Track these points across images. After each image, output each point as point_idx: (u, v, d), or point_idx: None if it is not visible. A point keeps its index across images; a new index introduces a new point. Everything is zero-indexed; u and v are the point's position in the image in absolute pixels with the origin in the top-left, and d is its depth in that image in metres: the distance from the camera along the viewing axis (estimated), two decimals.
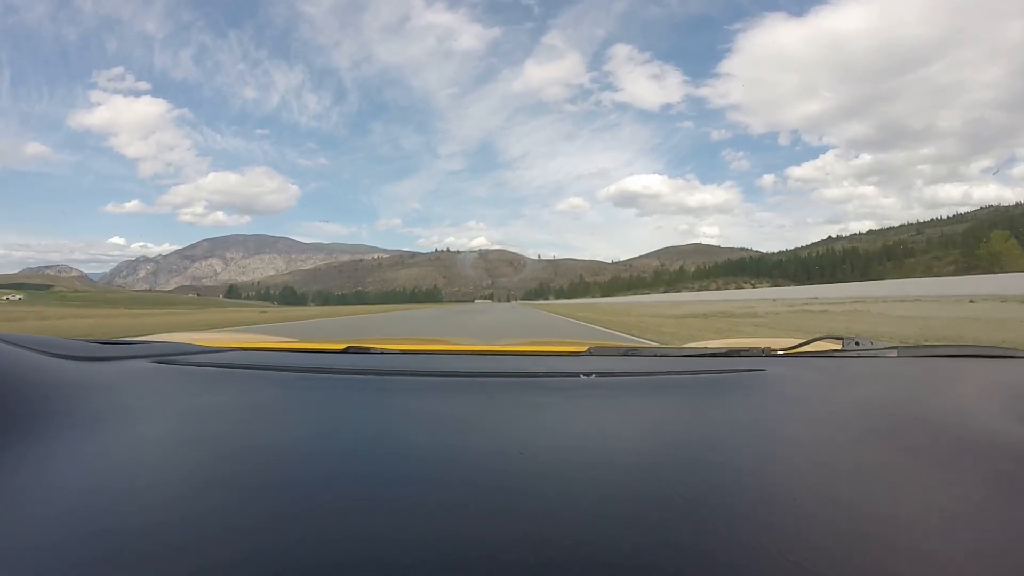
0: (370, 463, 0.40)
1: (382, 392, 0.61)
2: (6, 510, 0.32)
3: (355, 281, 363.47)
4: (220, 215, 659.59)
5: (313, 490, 0.35)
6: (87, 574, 0.26)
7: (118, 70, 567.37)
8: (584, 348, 0.90)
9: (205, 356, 0.79)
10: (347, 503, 0.33)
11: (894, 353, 0.83)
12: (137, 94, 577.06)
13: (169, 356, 0.75)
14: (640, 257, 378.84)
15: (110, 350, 0.71)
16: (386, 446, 0.44)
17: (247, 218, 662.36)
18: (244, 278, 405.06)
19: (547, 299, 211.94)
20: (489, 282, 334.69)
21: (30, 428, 0.42)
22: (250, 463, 0.39)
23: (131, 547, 0.28)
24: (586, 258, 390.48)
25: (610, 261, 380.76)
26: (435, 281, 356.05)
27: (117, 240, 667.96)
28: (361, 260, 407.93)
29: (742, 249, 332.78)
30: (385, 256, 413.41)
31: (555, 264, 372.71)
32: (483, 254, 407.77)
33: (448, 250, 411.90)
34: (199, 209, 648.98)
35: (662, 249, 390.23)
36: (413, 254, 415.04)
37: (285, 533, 0.29)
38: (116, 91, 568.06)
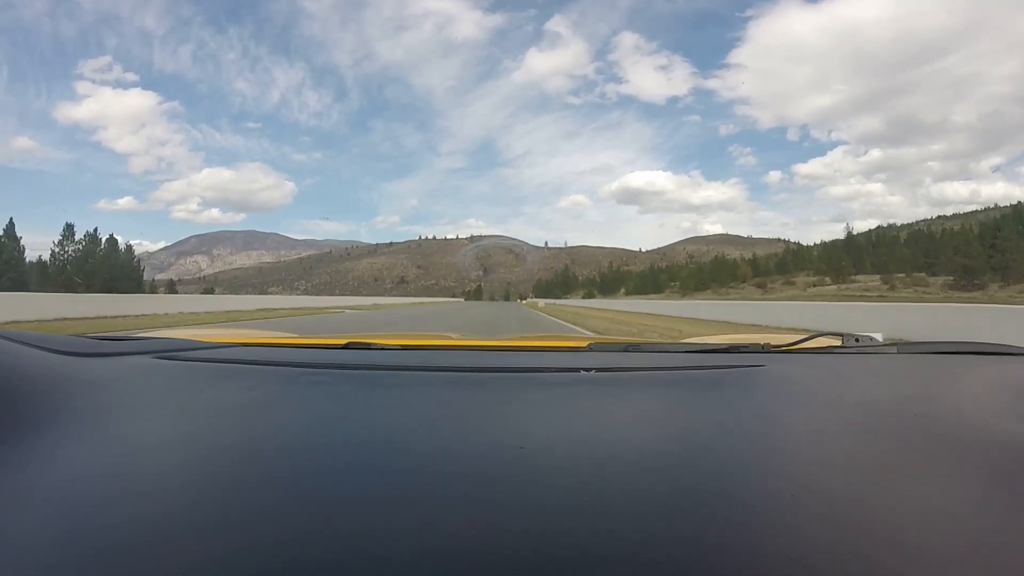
0: (371, 458, 0.40)
1: (383, 387, 0.61)
2: (12, 504, 0.32)
3: (308, 273, 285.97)
4: (215, 212, 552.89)
5: (314, 484, 0.35)
6: (92, 567, 0.26)
7: (105, 60, 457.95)
8: (585, 343, 0.89)
9: (206, 352, 0.78)
10: (349, 497, 0.33)
11: (894, 350, 0.82)
12: (125, 86, 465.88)
13: (170, 352, 0.74)
14: (670, 245, 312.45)
15: (112, 346, 0.71)
16: (387, 441, 0.44)
17: (242, 215, 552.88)
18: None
19: (591, 296, 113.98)
20: (480, 273, 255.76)
21: (34, 424, 0.42)
22: (252, 458, 0.39)
23: (135, 540, 0.28)
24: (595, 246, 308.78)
25: (639, 249, 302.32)
26: (405, 271, 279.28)
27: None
28: (329, 252, 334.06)
29: (778, 240, 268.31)
30: (356, 247, 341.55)
31: (571, 252, 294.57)
32: (475, 239, 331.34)
33: (434, 237, 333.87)
34: (193, 206, 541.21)
35: (688, 239, 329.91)
36: (390, 243, 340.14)
37: (287, 526, 0.29)
38: (103, 83, 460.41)
